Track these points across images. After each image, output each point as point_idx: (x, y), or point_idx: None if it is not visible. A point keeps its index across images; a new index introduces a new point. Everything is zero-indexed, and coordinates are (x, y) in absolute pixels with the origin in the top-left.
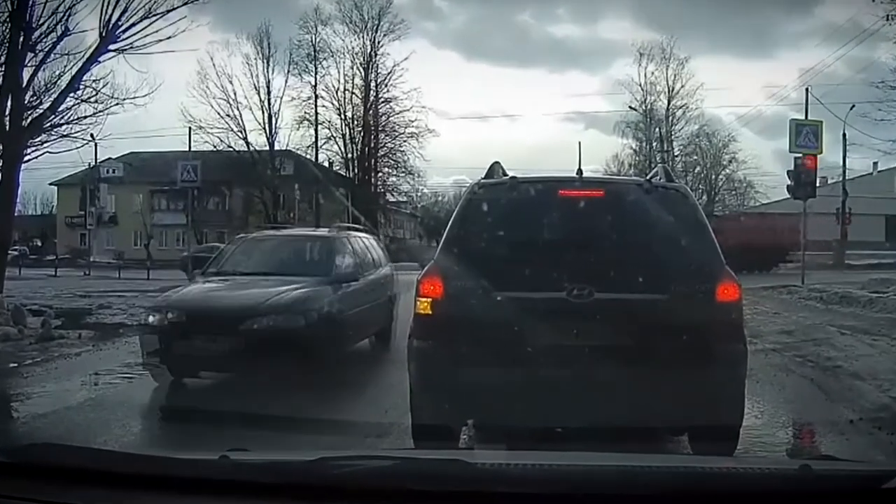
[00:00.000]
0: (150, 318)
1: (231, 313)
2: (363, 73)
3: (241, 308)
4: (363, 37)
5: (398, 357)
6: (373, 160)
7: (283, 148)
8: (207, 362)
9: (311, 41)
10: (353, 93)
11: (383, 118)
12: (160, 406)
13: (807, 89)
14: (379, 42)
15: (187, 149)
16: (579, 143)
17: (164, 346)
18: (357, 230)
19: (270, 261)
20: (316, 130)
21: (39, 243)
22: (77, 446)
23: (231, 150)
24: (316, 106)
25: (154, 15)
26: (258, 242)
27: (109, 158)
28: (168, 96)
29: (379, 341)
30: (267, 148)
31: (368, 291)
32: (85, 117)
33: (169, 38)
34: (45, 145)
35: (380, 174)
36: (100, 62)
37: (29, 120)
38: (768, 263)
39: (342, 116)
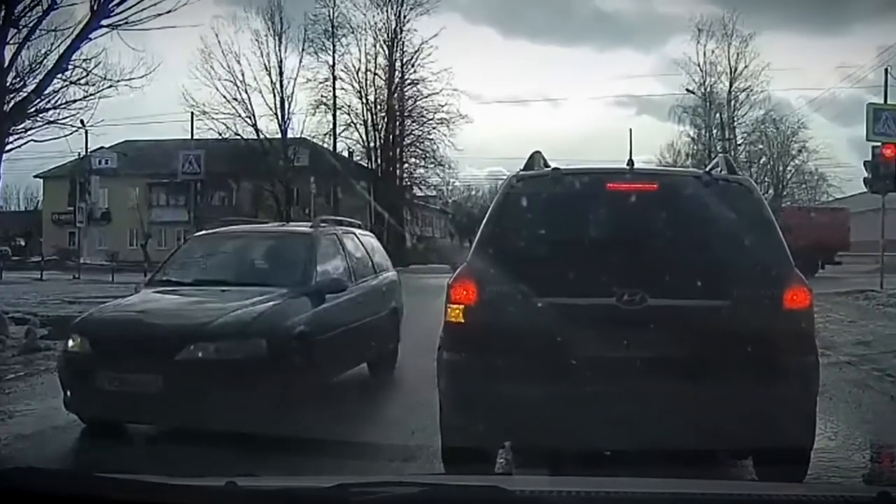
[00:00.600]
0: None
1: (161, 338)
2: (387, 52)
3: (175, 330)
4: (387, 10)
5: (425, 374)
6: (398, 149)
7: (297, 136)
8: (126, 407)
9: (329, 15)
10: (375, 74)
11: (410, 102)
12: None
13: (886, 70)
14: (405, 16)
15: (189, 137)
16: (630, 130)
17: (67, 382)
18: (349, 225)
19: (230, 266)
20: (334, 116)
21: (23, 243)
22: (65, 471)
23: (238, 137)
24: (334, 88)
25: None
26: (217, 242)
27: (102, 148)
28: (168, 78)
29: (378, 367)
30: (279, 136)
31: (361, 304)
32: (74, 101)
33: (168, 12)
34: (30, 133)
35: (406, 165)
36: (91, 39)
37: (11, 104)
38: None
39: (363, 100)
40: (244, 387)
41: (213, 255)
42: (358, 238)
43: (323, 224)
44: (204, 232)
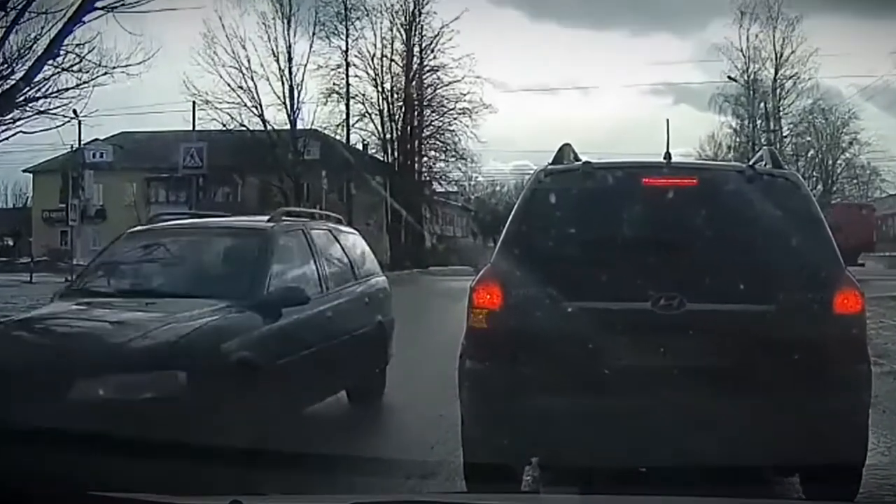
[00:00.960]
0: None
1: (49, 369)
2: (404, 37)
3: (67, 359)
4: None
5: (446, 384)
6: (416, 142)
7: (308, 127)
8: (5, 465)
9: None
10: (392, 60)
11: (429, 91)
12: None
13: None
14: None
15: (191, 128)
16: (667, 120)
17: None
18: (324, 219)
19: (164, 272)
20: (347, 105)
21: (11, 242)
22: (58, 487)
23: (244, 129)
24: (347, 76)
25: None
26: (153, 241)
27: (96, 140)
28: (168, 64)
29: (359, 397)
30: (287, 127)
31: (333, 319)
32: (66, 89)
33: None
34: (19, 124)
35: (425, 159)
36: (84, 23)
37: None
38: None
39: (379, 89)
40: (162, 431)
41: (146, 258)
42: (334, 235)
43: (286, 217)
44: (139, 228)
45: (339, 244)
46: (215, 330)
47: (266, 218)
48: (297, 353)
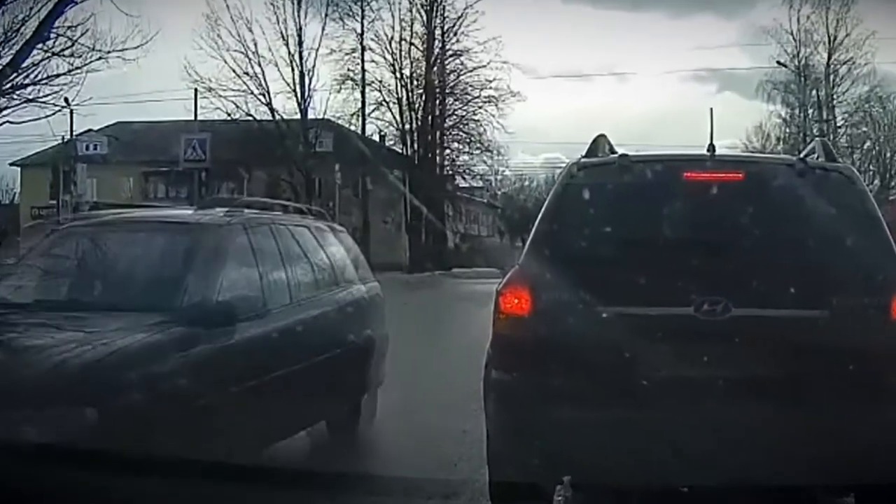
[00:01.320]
0: None
1: None
2: (425, 18)
3: None
4: None
5: (472, 395)
6: (438, 133)
7: (320, 116)
8: None
9: None
10: (411, 44)
11: (452, 77)
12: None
13: None
14: None
15: (193, 118)
16: (711, 109)
17: None
18: (279, 210)
19: (86, 278)
20: (363, 93)
21: None
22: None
23: (250, 119)
24: (363, 61)
25: None
26: (80, 239)
27: (90, 131)
28: (167, 49)
29: (338, 428)
30: (298, 116)
31: (303, 336)
32: (57, 76)
33: None
34: (6, 113)
35: (447, 151)
36: (77, 3)
37: None
38: None
39: (397, 75)
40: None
41: (73, 260)
42: (290, 231)
43: (221, 208)
44: (71, 223)
45: (297, 243)
46: (140, 353)
47: (223, 211)
48: (252, 380)
